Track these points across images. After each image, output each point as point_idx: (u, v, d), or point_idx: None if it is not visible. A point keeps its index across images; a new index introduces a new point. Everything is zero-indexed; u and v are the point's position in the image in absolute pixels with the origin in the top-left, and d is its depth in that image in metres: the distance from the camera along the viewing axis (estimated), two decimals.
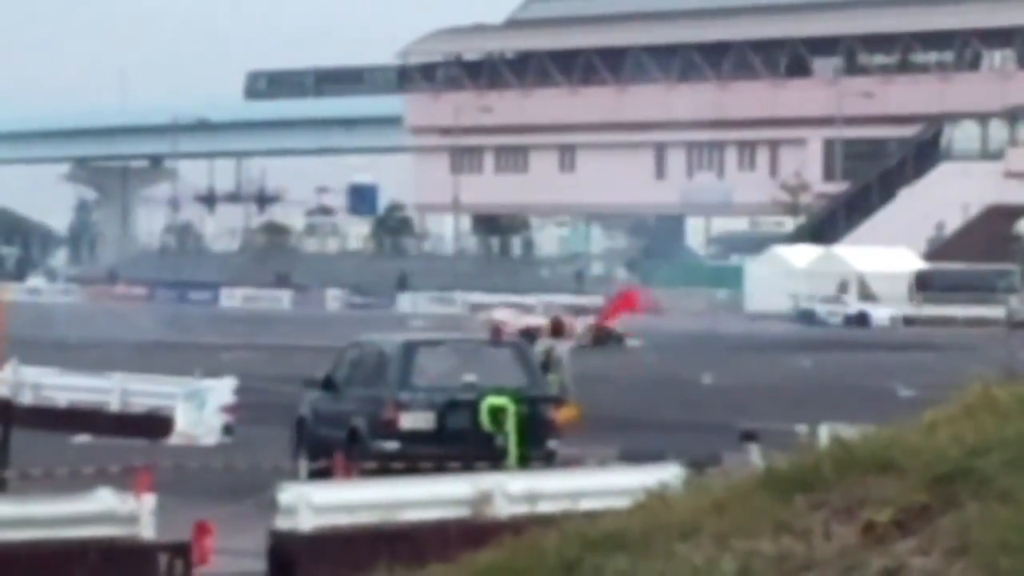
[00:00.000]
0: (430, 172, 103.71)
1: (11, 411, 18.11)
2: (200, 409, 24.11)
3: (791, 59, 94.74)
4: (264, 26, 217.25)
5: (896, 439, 8.79)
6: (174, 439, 23.80)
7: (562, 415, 20.85)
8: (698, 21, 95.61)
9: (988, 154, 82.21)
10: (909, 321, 65.98)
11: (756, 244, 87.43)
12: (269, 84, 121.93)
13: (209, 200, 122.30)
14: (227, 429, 24.01)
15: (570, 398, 22.58)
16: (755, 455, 15.15)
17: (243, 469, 16.23)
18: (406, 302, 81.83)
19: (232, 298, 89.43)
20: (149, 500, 13.16)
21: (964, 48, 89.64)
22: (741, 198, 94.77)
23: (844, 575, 7.84)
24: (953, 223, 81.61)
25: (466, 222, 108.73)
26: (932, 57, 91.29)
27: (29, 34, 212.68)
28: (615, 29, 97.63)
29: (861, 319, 66.43)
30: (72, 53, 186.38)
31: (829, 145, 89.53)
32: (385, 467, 16.82)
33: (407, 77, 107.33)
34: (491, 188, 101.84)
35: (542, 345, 23.20)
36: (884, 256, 73.67)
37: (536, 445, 18.06)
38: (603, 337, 46.67)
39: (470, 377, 18.30)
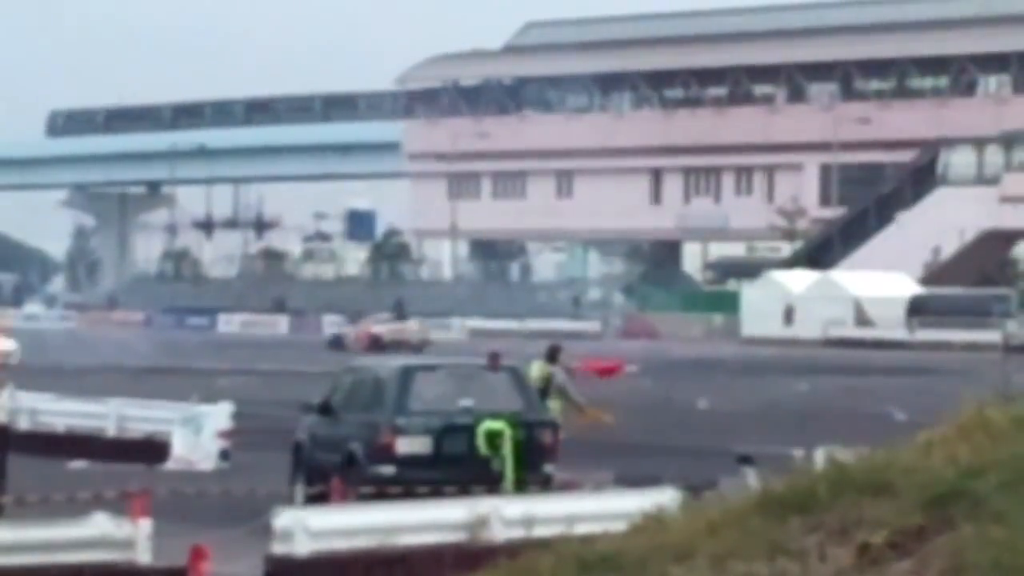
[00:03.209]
0: (427, 198, 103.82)
1: (8, 437, 18.13)
2: (197, 434, 24.09)
3: (787, 85, 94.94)
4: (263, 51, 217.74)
5: (891, 461, 8.81)
6: (171, 464, 23.77)
7: (593, 416, 21.27)
8: (694, 47, 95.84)
9: (984, 179, 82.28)
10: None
11: (752, 269, 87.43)
12: (67, 121, 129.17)
13: (207, 226, 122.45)
14: (224, 454, 23.99)
15: (591, 408, 23.07)
16: (751, 479, 15.15)
17: (240, 494, 16.22)
18: None
19: (230, 324, 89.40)
20: (145, 525, 13.20)
21: (960, 73, 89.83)
22: (738, 223, 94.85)
23: None
24: (949, 248, 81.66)
25: (463, 247, 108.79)
26: (928, 82, 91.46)
27: (27, 57, 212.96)
28: (611, 55, 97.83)
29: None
30: (70, 76, 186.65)
31: (825, 170, 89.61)
32: (382, 492, 16.82)
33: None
34: (488, 213, 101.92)
35: (539, 371, 23.22)
36: (881, 281, 73.70)
37: (532, 469, 18.05)
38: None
39: (467, 401, 18.29)
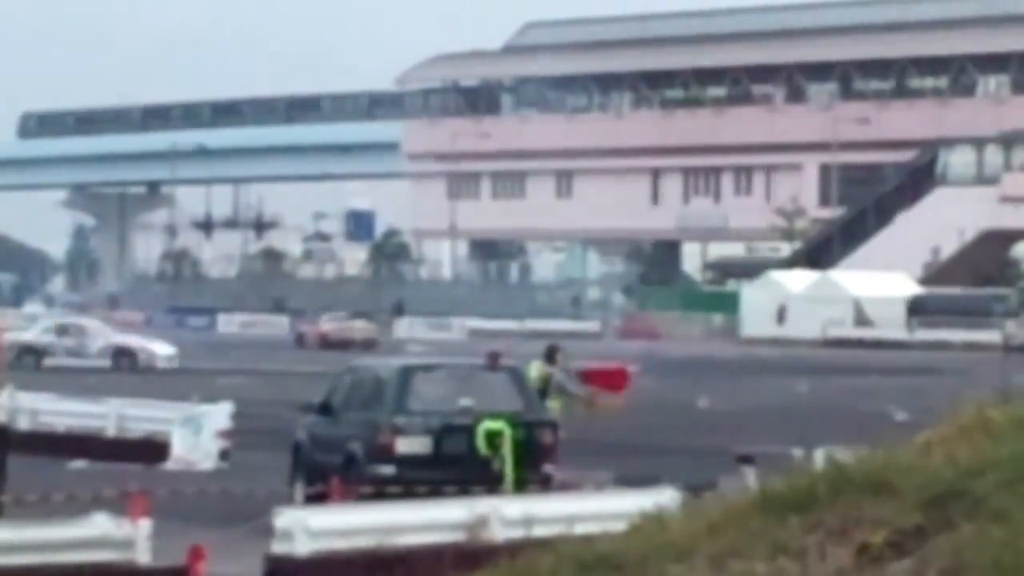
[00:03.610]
0: (427, 198, 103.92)
1: (8, 437, 18.13)
2: (196, 434, 24.13)
3: (787, 85, 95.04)
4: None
5: (891, 461, 8.83)
6: (170, 464, 23.80)
7: (603, 401, 21.64)
8: (694, 47, 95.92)
9: (983, 179, 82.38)
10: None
11: (752, 269, 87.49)
12: (39, 124, 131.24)
13: (206, 226, 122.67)
14: (223, 454, 24.02)
15: (598, 395, 23.30)
16: (751, 478, 15.16)
17: (239, 494, 16.25)
18: (403, 327, 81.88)
19: (229, 324, 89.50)
20: (145, 525, 13.20)
21: (959, 74, 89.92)
22: (737, 223, 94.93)
23: None
24: (949, 248, 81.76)
25: (463, 247, 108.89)
26: (928, 83, 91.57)
27: (27, 59, 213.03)
28: (611, 55, 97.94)
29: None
30: (69, 76, 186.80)
31: (825, 170, 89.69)
32: (381, 492, 16.84)
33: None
34: (488, 214, 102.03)
35: (538, 371, 23.24)
36: (880, 281, 73.78)
37: (532, 469, 18.08)
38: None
39: (466, 401, 18.32)
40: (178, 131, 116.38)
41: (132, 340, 49.61)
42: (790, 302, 74.00)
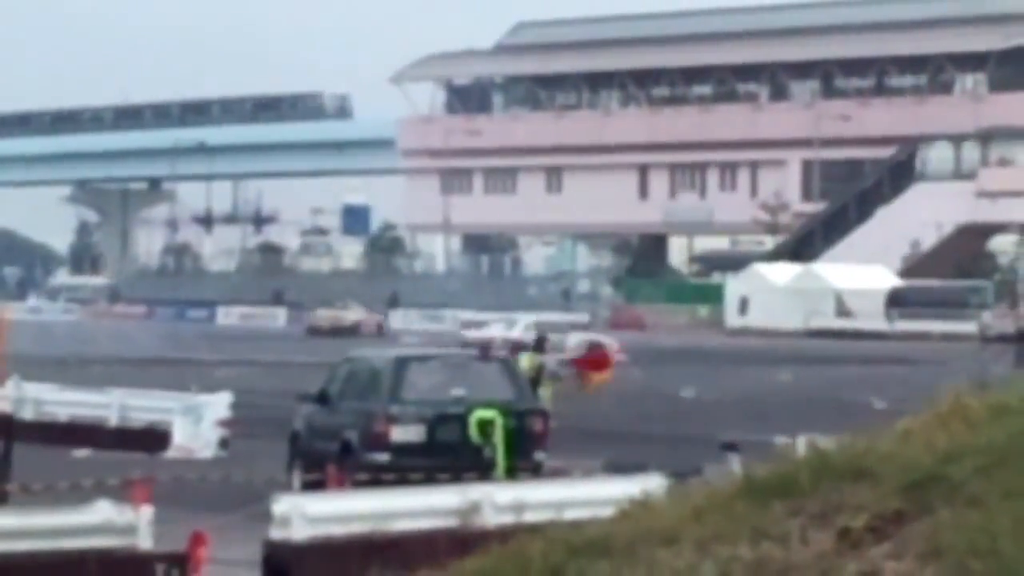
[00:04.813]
0: (421, 193, 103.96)
1: (13, 426, 18.34)
2: (197, 423, 24.36)
3: (770, 83, 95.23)
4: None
5: (871, 447, 8.91)
6: (171, 452, 23.99)
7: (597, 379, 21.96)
8: (680, 46, 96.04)
9: (961, 175, 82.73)
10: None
11: (737, 262, 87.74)
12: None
13: (207, 221, 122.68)
14: (223, 443, 24.22)
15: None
16: (735, 465, 15.39)
17: (238, 481, 16.42)
18: (398, 319, 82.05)
19: (229, 316, 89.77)
20: (147, 511, 13.31)
21: (938, 72, 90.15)
22: (722, 217, 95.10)
23: None
24: (927, 241, 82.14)
25: (456, 242, 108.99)
26: (907, 81, 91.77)
27: (30, 54, 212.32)
28: (600, 54, 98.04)
29: None
30: (73, 75, 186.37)
31: (807, 166, 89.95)
32: (377, 479, 17.05)
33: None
34: (480, 209, 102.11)
35: (529, 361, 23.52)
36: (861, 273, 74.16)
37: (523, 456, 18.29)
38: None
39: (459, 391, 18.55)
40: (179, 128, 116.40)
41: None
42: (774, 294, 74.40)
